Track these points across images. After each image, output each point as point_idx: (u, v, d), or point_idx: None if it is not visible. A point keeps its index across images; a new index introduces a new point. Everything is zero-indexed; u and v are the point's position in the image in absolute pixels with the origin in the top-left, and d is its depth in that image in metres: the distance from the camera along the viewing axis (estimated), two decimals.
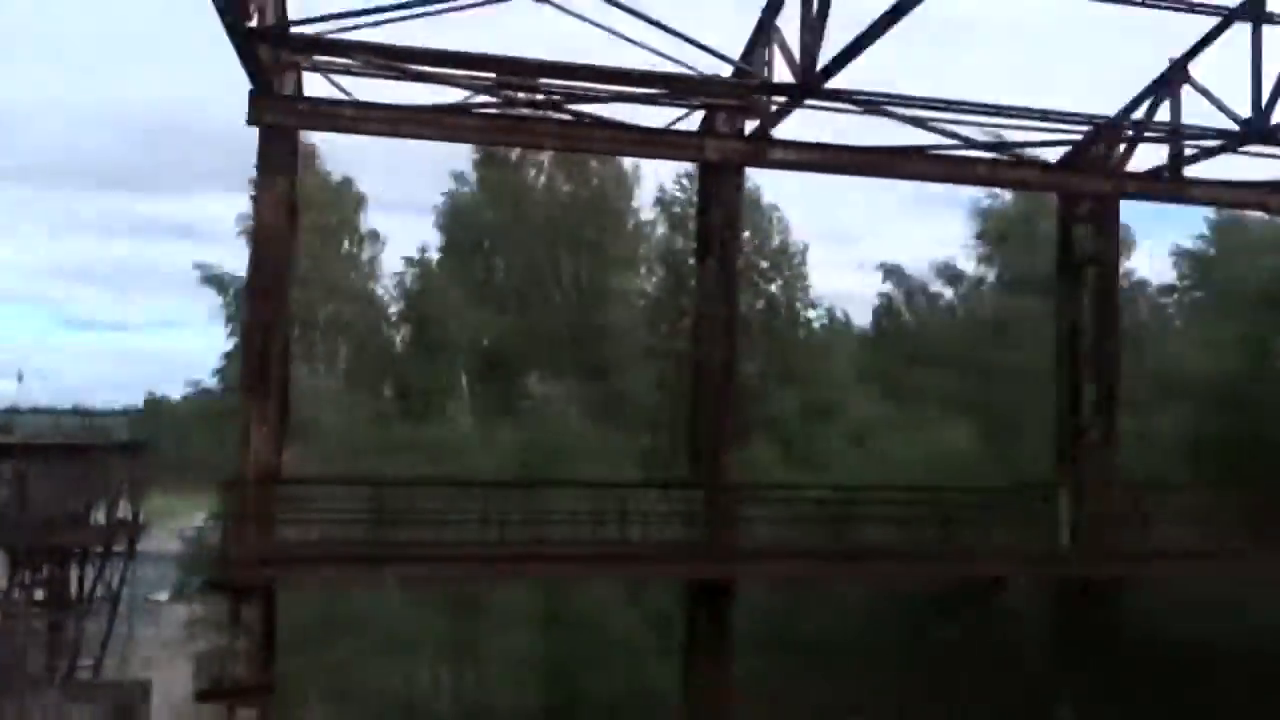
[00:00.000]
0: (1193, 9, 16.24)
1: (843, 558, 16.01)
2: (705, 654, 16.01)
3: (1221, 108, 16.85)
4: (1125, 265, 33.86)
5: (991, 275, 35.04)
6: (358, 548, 15.31)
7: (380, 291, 37.93)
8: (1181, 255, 36.19)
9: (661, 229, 36.54)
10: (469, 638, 23.97)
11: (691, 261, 20.27)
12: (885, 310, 38.73)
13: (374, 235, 37.69)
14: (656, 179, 40.33)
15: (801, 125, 17.06)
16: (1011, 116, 17.55)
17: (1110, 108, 18.02)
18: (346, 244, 37.07)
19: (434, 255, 37.60)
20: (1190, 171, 18.34)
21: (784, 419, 31.21)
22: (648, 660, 22.61)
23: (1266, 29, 16.00)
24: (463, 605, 24.23)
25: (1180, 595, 21.84)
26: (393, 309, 38.12)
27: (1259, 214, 27.49)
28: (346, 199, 36.28)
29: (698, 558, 15.43)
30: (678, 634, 17.45)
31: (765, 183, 33.70)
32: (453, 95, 16.11)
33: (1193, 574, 19.48)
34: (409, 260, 37.37)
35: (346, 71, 15.85)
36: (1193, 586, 21.50)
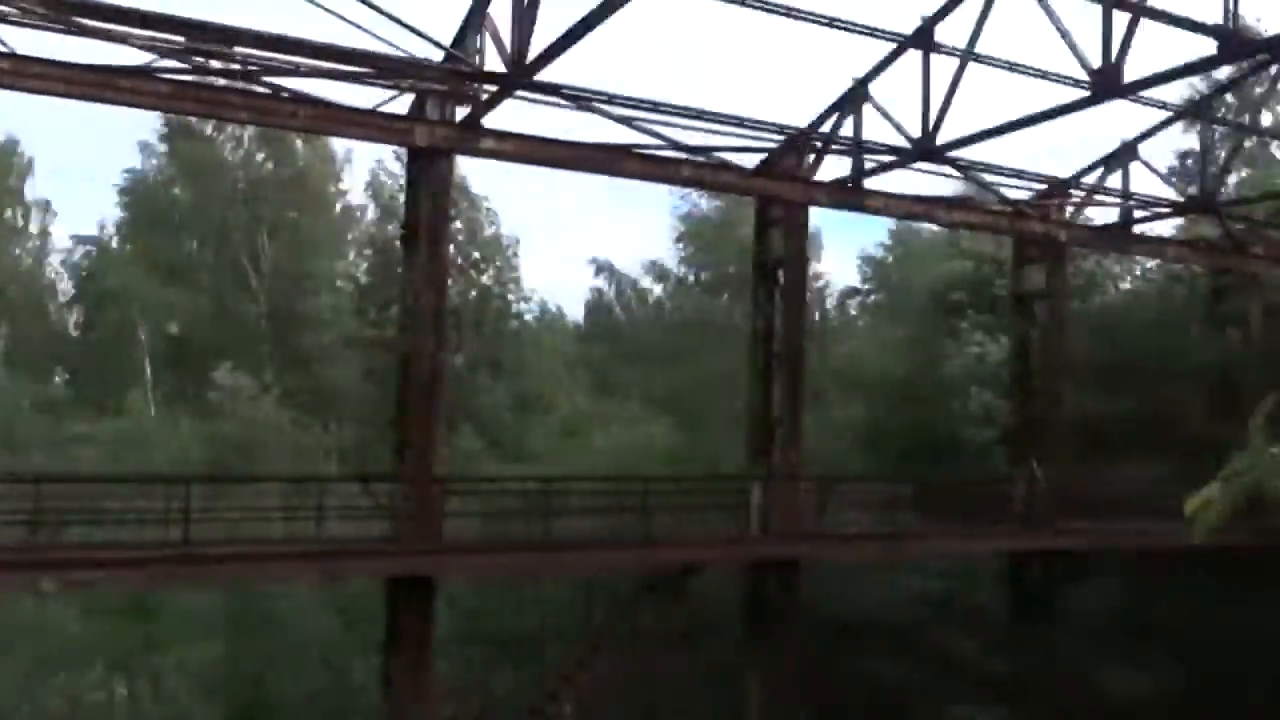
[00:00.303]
0: (873, 34, 17.59)
1: (545, 548, 16.12)
2: (406, 652, 15.61)
3: (896, 127, 18.35)
4: (815, 268, 36.53)
5: (697, 274, 36.70)
6: (11, 552, 13.67)
7: (50, 268, 34.31)
8: (866, 261, 39.56)
9: (372, 214, 35.44)
10: (147, 647, 22.08)
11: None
12: (596, 305, 39.61)
13: (43, 205, 34.05)
14: (370, 162, 39.01)
15: (528, 118, 17.04)
16: (714, 122, 18.32)
17: (804, 119, 19.20)
18: (9, 213, 33.22)
19: (115, 231, 34.48)
20: (870, 183, 19.88)
21: (494, 411, 31.12)
22: (347, 661, 21.79)
23: (935, 58, 17.57)
24: (141, 612, 22.32)
25: (855, 574, 23.86)
26: (65, 287, 34.59)
27: (930, 225, 30.46)
28: (8, 163, 32.48)
29: (397, 553, 15.00)
30: (379, 633, 16.91)
31: (487, 174, 33.56)
32: (136, 57, 14.73)
33: (866, 555, 21.27)
34: (78, 238, 34.09)
35: (3, 20, 14.07)
36: (866, 565, 23.55)
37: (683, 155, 18.28)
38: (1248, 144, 29.38)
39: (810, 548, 18.50)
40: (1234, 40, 13.64)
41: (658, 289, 37.98)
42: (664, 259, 36.76)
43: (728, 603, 21.55)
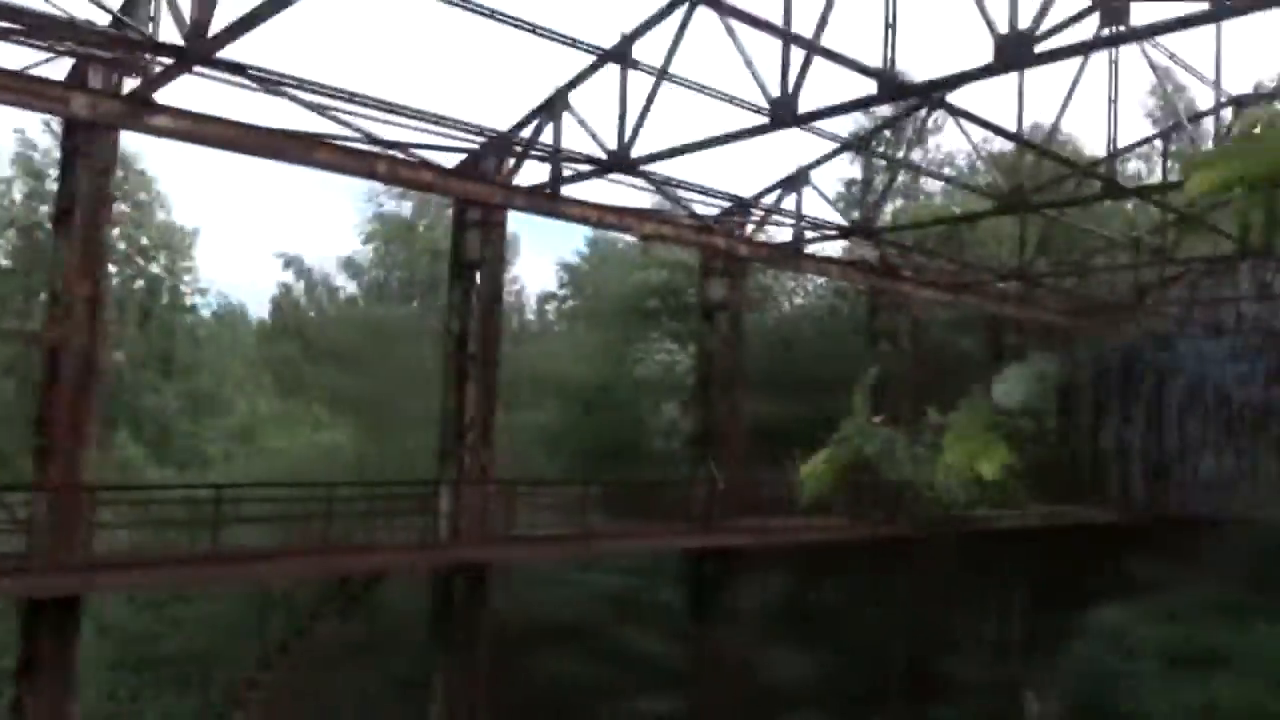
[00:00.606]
0: (574, 45, 17.81)
1: (212, 561, 14.93)
2: (43, 682, 13.91)
3: (594, 137, 18.69)
4: (512, 272, 36.67)
5: (392, 274, 35.74)
6: None
7: None
8: (564, 267, 40.23)
9: (20, 191, 31.57)
10: None
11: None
12: (284, 302, 37.60)
13: None
14: (18, 133, 34.71)
15: (215, 99, 15.69)
16: (412, 118, 17.81)
17: (506, 123, 19.12)
18: None
19: None
20: (568, 191, 20.13)
21: (161, 413, 28.67)
22: None
23: (632, 74, 18.06)
24: None
25: (545, 575, 24.13)
26: None
27: (626, 235, 31.42)
28: None
29: (32, 571, 13.34)
30: (11, 662, 15.01)
31: (168, 158, 30.93)
32: None
33: (555, 555, 21.54)
34: None
35: None
36: (553, 567, 23.89)
37: (379, 150, 17.65)
38: (901, 177, 32.73)
39: (499, 550, 18.43)
40: (891, 83, 15.02)
41: (351, 286, 36.60)
42: (358, 256, 35.50)
43: (416, 610, 21.06)
